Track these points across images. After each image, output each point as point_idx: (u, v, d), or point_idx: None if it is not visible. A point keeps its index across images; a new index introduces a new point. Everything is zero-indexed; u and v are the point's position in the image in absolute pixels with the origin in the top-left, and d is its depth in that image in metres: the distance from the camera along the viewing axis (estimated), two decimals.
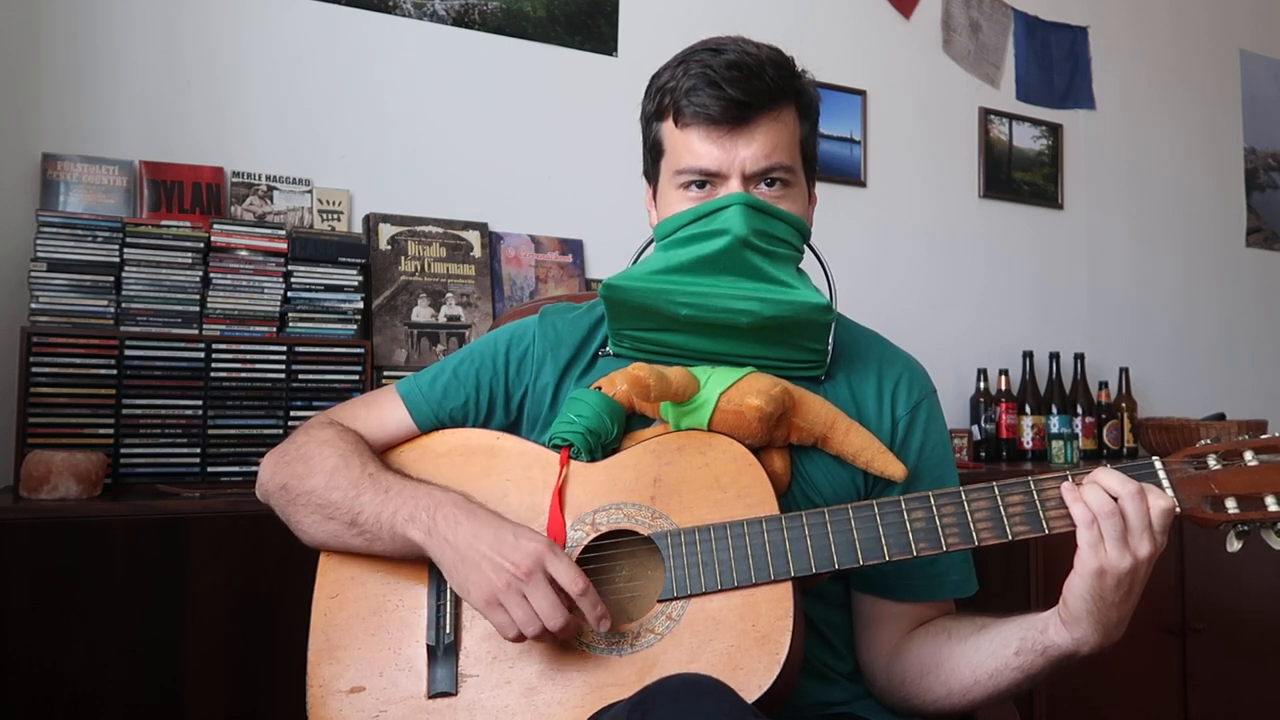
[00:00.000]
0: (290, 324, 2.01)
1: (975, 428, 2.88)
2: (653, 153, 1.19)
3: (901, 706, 1.14)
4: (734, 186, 1.11)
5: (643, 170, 1.24)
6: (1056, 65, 3.23)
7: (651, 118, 1.18)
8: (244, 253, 1.97)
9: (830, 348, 1.16)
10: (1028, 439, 2.88)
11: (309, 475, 1.13)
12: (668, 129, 1.15)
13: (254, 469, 1.21)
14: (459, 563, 1.02)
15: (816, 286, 1.15)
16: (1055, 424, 2.91)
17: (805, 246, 1.18)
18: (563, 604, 0.99)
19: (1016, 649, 1.02)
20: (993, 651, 1.04)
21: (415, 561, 1.11)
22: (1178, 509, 0.96)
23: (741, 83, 1.09)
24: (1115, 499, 0.93)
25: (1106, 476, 0.95)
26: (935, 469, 1.18)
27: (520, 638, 1.00)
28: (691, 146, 1.12)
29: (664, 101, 1.14)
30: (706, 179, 1.12)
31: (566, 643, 1.03)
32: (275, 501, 1.18)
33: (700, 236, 1.10)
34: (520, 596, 0.99)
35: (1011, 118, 3.14)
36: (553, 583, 0.99)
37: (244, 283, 1.96)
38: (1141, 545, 0.93)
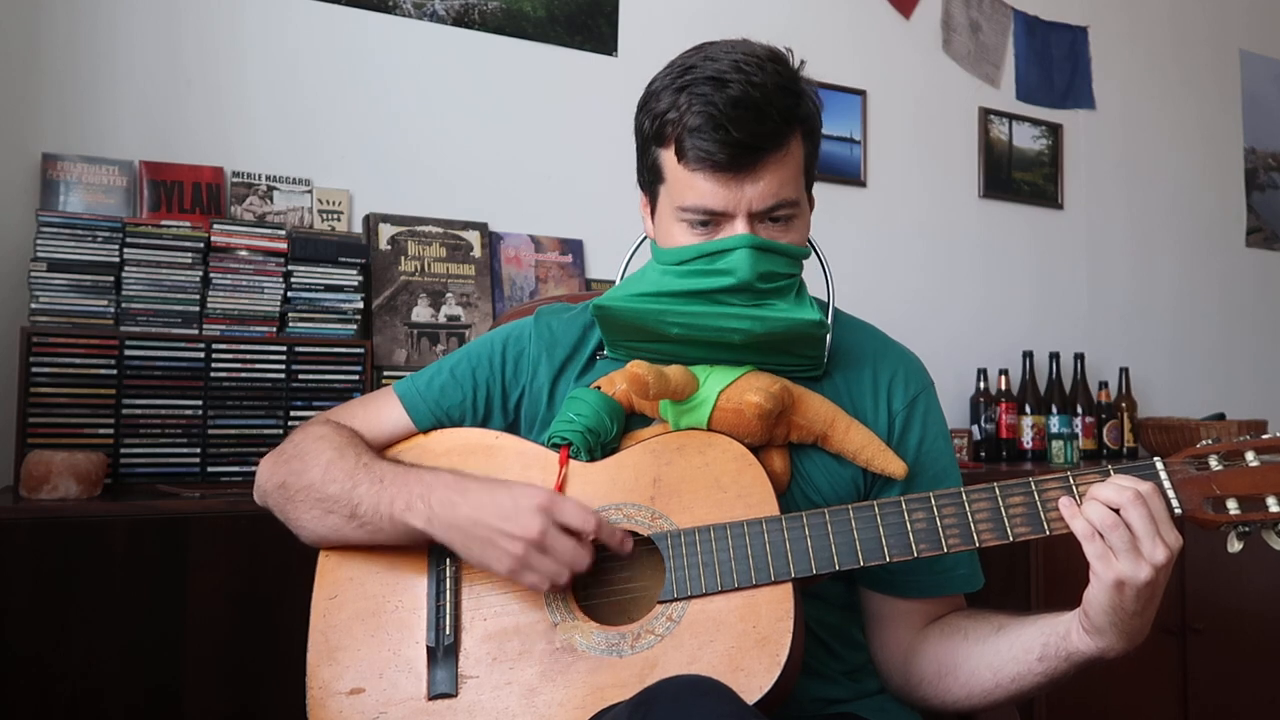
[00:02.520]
0: (290, 324, 2.01)
1: (975, 428, 2.88)
2: (651, 173, 1.15)
3: (920, 705, 1.14)
4: (739, 227, 1.08)
5: (638, 180, 1.20)
6: (1056, 65, 3.23)
7: (650, 140, 1.13)
8: (244, 253, 1.97)
9: (826, 353, 1.16)
10: (1028, 439, 2.88)
11: (305, 471, 1.13)
12: (669, 160, 1.10)
13: (254, 469, 1.21)
14: (470, 543, 1.04)
15: (813, 297, 1.14)
16: (1055, 424, 2.91)
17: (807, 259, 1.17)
18: (581, 543, 1.02)
19: (1039, 654, 1.02)
20: (1014, 656, 1.04)
21: (414, 562, 1.11)
22: (1178, 510, 0.96)
23: (748, 124, 1.04)
24: (1116, 510, 0.93)
25: (1103, 489, 0.94)
26: (935, 463, 1.18)
27: (555, 587, 1.03)
28: (695, 186, 1.08)
29: (665, 131, 1.09)
30: (711, 218, 1.09)
31: (567, 645, 1.03)
32: (273, 501, 1.17)
33: (704, 273, 1.09)
34: (542, 554, 1.01)
35: (1011, 118, 3.14)
36: (565, 529, 1.01)
37: (244, 283, 1.96)
38: (1156, 552, 0.92)
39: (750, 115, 1.05)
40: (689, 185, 1.09)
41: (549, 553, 1.01)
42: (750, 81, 1.05)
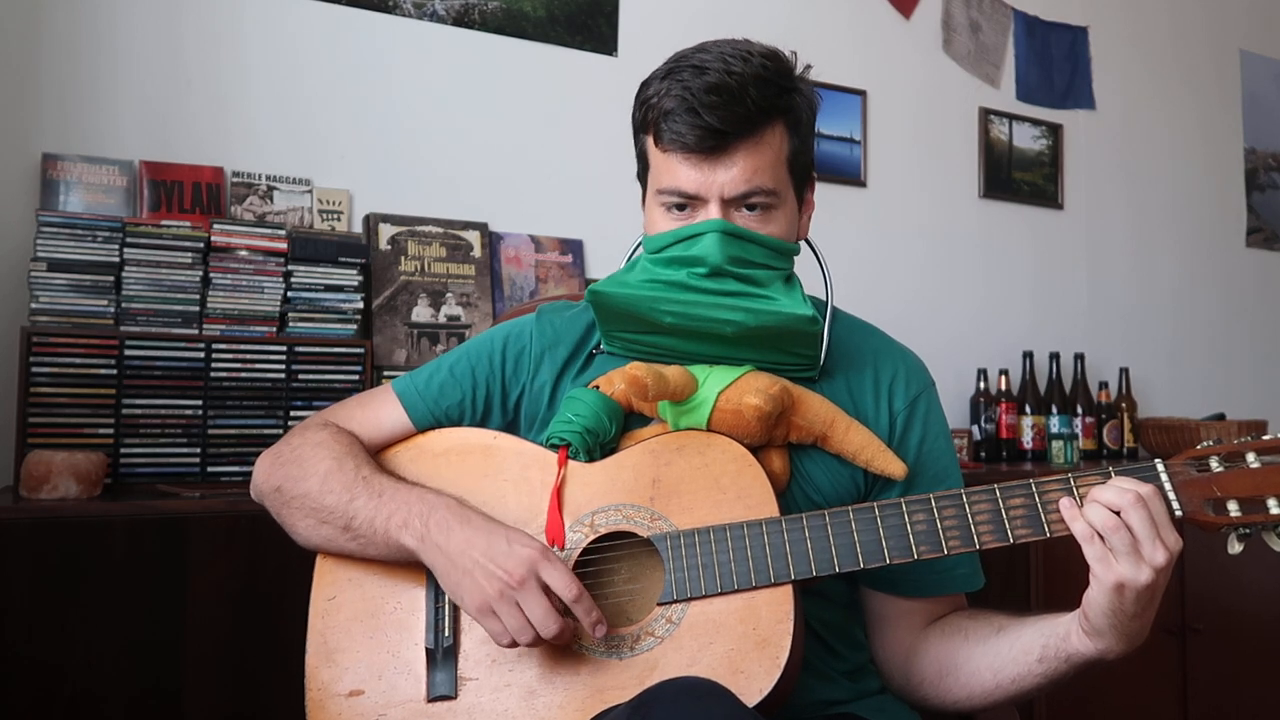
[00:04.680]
0: (290, 324, 2.01)
1: (975, 428, 2.88)
2: (640, 161, 1.19)
3: (921, 705, 1.15)
4: (713, 211, 1.09)
5: (636, 173, 1.23)
6: (1056, 65, 3.23)
7: (638, 129, 1.16)
8: (244, 253, 1.97)
9: (822, 352, 1.16)
10: (1028, 439, 2.88)
11: (303, 479, 1.13)
12: (650, 145, 1.14)
13: (253, 469, 1.21)
14: (452, 570, 1.03)
15: (808, 295, 1.14)
16: (1055, 424, 2.90)
17: (794, 259, 1.16)
18: (557, 611, 0.99)
19: (1039, 656, 1.02)
20: (1014, 657, 1.04)
21: (413, 563, 1.11)
22: (1179, 512, 0.96)
23: (720, 109, 1.06)
24: (1116, 512, 0.93)
25: (1104, 491, 0.95)
26: (936, 463, 1.18)
27: (514, 644, 1.00)
28: (671, 169, 1.10)
29: (647, 117, 1.13)
30: (686, 201, 1.11)
31: (566, 646, 1.03)
32: (270, 503, 1.18)
33: (680, 261, 1.10)
34: (514, 605, 0.99)
35: (1011, 118, 3.14)
36: (546, 589, 0.99)
37: (244, 283, 1.96)
38: (1156, 554, 0.92)
39: (722, 100, 1.06)
40: (665, 168, 1.11)
41: (521, 605, 0.99)
42: (729, 70, 1.07)
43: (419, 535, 1.05)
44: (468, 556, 1.01)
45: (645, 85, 1.14)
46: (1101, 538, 0.93)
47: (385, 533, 1.07)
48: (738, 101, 1.07)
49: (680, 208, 1.12)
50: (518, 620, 0.99)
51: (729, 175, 1.09)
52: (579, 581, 1.00)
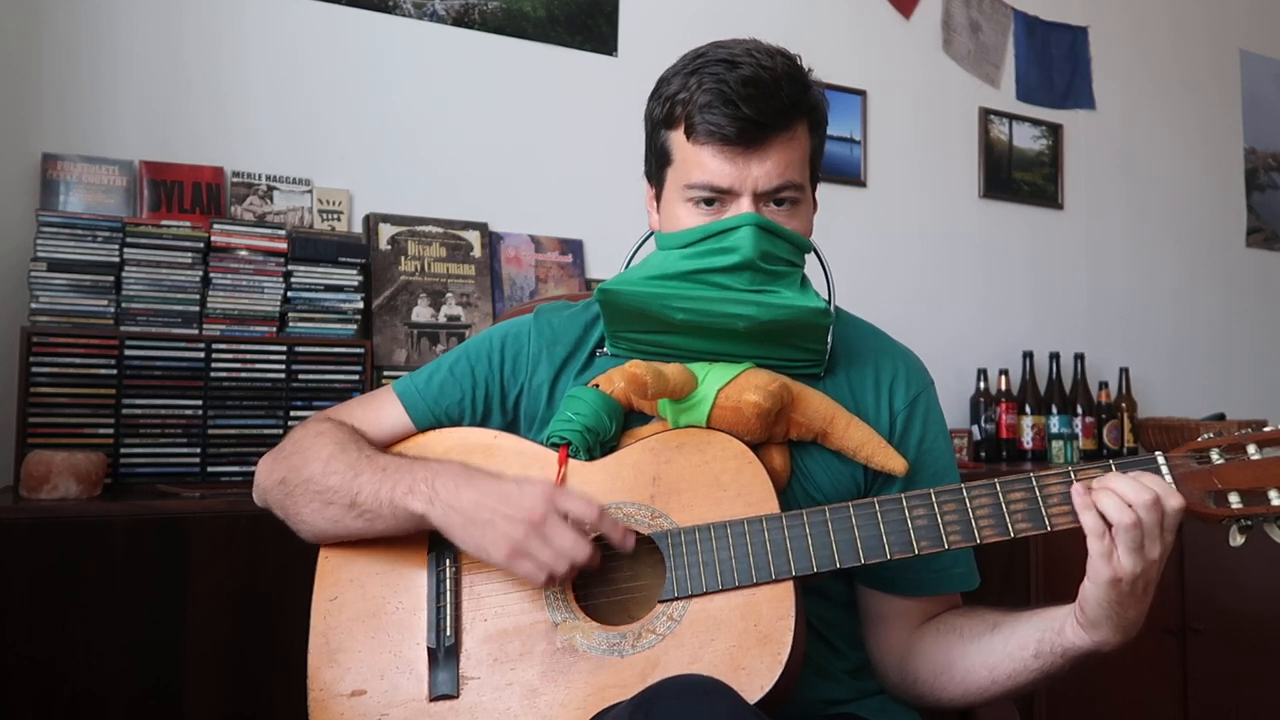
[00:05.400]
0: (290, 324, 2.01)
1: (975, 428, 2.88)
2: (659, 158, 1.17)
3: (917, 703, 1.15)
4: (745, 205, 1.09)
5: (645, 171, 1.22)
6: (1056, 65, 3.23)
7: (659, 124, 1.15)
8: (244, 253, 1.97)
9: (829, 347, 1.16)
10: (1028, 439, 2.88)
11: (305, 465, 1.13)
12: (678, 140, 1.12)
13: (254, 468, 1.21)
14: (470, 526, 1.03)
15: (815, 290, 1.14)
16: (1055, 424, 2.91)
17: (808, 257, 1.18)
18: (581, 536, 1.01)
19: (1035, 651, 1.02)
20: (1009, 653, 1.04)
21: (414, 563, 1.11)
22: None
23: (757, 101, 1.06)
24: (1130, 506, 0.92)
25: (1120, 483, 0.94)
26: (936, 461, 1.18)
27: (552, 580, 1.01)
28: (703, 163, 1.10)
29: (675, 111, 1.11)
30: (716, 196, 1.11)
31: (568, 645, 1.03)
32: (273, 498, 1.17)
33: (709, 253, 1.09)
34: (541, 540, 1.00)
35: (1011, 118, 3.14)
36: (567, 518, 1.01)
37: (244, 283, 1.96)
38: (1154, 549, 0.92)
39: (760, 94, 1.07)
40: (696, 162, 1.10)
41: (548, 540, 1.00)
42: (761, 65, 1.08)
43: (427, 498, 1.05)
44: (484, 508, 1.02)
45: (665, 81, 1.14)
46: (1109, 531, 0.93)
47: (391, 502, 1.07)
48: (773, 95, 1.07)
49: (709, 202, 1.11)
50: (550, 553, 1.00)
51: (763, 169, 1.09)
52: (596, 503, 1.02)
